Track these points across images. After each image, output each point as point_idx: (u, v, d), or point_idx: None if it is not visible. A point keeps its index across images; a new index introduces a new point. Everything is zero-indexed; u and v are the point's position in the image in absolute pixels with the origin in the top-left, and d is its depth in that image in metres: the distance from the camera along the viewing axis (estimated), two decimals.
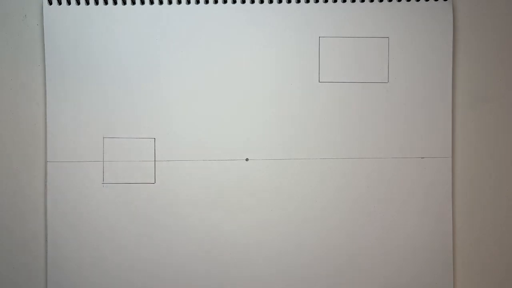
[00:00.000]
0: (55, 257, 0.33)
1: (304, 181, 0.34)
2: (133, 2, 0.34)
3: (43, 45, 0.34)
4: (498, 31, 0.35)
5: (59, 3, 0.33)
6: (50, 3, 0.33)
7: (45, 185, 0.33)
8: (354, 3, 0.34)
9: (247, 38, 0.34)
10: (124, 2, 0.34)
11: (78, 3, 0.33)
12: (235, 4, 0.34)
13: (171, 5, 0.34)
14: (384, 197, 0.35)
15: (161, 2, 0.34)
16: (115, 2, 0.34)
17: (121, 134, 0.34)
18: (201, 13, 0.34)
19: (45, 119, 0.33)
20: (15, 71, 0.34)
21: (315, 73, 0.34)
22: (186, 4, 0.34)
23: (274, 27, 0.34)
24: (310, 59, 0.34)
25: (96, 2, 0.34)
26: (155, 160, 0.34)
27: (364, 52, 0.34)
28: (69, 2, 0.33)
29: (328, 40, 0.34)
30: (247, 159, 0.34)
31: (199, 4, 0.34)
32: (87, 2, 0.33)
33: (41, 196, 0.34)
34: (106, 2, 0.34)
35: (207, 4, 0.34)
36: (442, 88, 0.35)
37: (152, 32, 0.34)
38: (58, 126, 0.33)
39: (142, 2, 0.34)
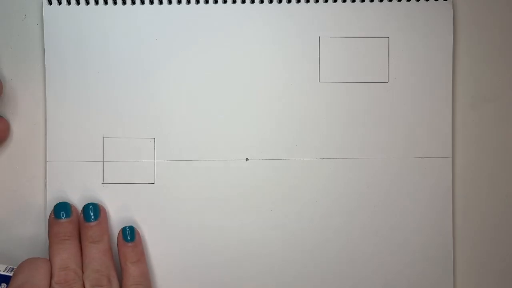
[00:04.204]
0: None
1: (304, 181, 0.34)
2: (133, 2, 0.34)
3: (43, 45, 0.34)
4: (499, 31, 0.35)
5: (59, 3, 0.33)
6: (50, 3, 0.33)
7: (45, 185, 0.33)
8: (354, 3, 0.34)
9: (246, 38, 0.34)
10: (124, 2, 0.34)
11: (78, 3, 0.33)
12: (235, 4, 0.34)
13: (171, 5, 0.34)
14: (384, 197, 0.35)
15: (161, 2, 0.34)
16: (115, 2, 0.34)
17: (121, 134, 0.34)
18: (201, 13, 0.34)
19: (45, 119, 0.33)
20: (15, 71, 0.34)
21: (315, 73, 0.34)
22: (186, 4, 0.34)
23: (274, 27, 0.34)
24: (310, 59, 0.34)
25: (96, 2, 0.34)
26: (155, 160, 0.34)
27: (364, 52, 0.34)
28: (69, 2, 0.33)
29: (328, 40, 0.34)
30: (247, 159, 0.34)
31: (199, 4, 0.34)
32: (87, 2, 0.33)
33: (41, 196, 0.34)
34: (106, 2, 0.34)
35: (207, 4, 0.34)
36: (442, 88, 0.35)
37: (152, 32, 0.34)
38: (58, 126, 0.33)
39: (142, 2, 0.34)
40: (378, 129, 0.35)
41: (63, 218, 0.32)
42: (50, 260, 0.31)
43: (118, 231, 0.33)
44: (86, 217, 0.32)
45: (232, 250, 0.34)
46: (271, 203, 0.34)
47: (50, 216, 0.32)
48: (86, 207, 0.32)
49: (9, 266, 0.31)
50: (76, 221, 0.32)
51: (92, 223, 0.32)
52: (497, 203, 0.35)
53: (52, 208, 0.32)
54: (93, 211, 0.32)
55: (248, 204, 0.34)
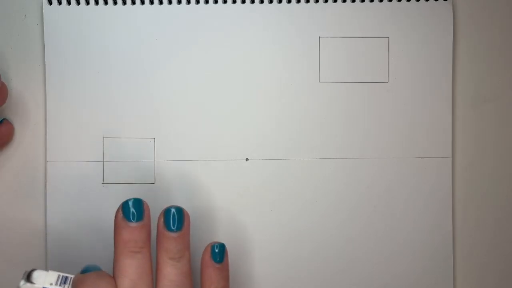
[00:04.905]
0: (55, 257, 0.33)
1: (304, 181, 0.34)
2: (133, 2, 0.34)
3: (43, 45, 0.34)
4: (499, 31, 0.35)
5: (59, 3, 0.33)
6: (50, 3, 0.33)
7: (45, 185, 0.33)
8: (354, 3, 0.34)
9: (247, 38, 0.34)
10: (124, 2, 0.34)
11: (78, 3, 0.33)
12: (235, 4, 0.34)
13: (171, 5, 0.34)
14: (384, 197, 0.35)
15: (161, 2, 0.34)
16: (115, 2, 0.34)
17: (121, 134, 0.34)
18: (201, 13, 0.34)
19: (45, 119, 0.33)
20: (15, 71, 0.34)
21: (315, 73, 0.34)
22: (186, 4, 0.34)
23: (274, 27, 0.34)
24: (310, 59, 0.34)
25: (96, 2, 0.34)
26: (155, 160, 0.34)
27: (364, 52, 0.34)
28: (69, 2, 0.33)
29: (328, 40, 0.34)
30: (247, 159, 0.34)
31: (199, 4, 0.34)
32: (87, 2, 0.33)
33: (41, 196, 0.34)
34: (106, 2, 0.34)
35: (207, 4, 0.34)
36: (442, 88, 0.35)
37: (152, 32, 0.34)
38: (58, 126, 0.33)
39: (142, 2, 0.34)
40: (378, 129, 0.35)
41: (134, 221, 0.25)
42: (115, 277, 0.25)
43: (206, 247, 0.28)
44: (168, 225, 0.26)
45: (232, 250, 0.34)
46: (271, 203, 0.34)
47: (117, 215, 0.26)
48: (167, 212, 0.26)
49: (62, 275, 0.25)
50: (149, 224, 0.26)
51: (175, 234, 0.26)
52: (497, 203, 0.35)
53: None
54: (177, 218, 0.26)
55: (248, 204, 0.34)
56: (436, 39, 0.35)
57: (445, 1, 0.35)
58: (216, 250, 0.27)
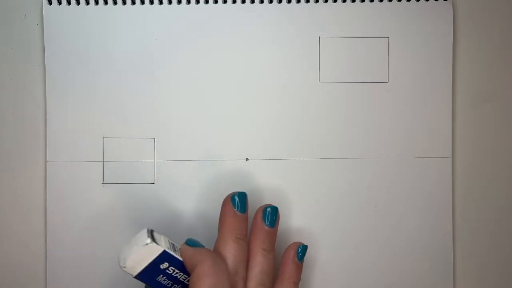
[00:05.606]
0: (55, 257, 0.33)
1: (304, 181, 0.34)
2: (133, 2, 0.34)
3: (43, 45, 0.34)
4: (499, 31, 0.35)
5: (59, 3, 0.33)
6: (50, 3, 0.33)
7: (45, 185, 0.33)
8: (354, 3, 0.34)
9: (247, 39, 0.34)
10: (124, 2, 0.34)
11: (78, 3, 0.33)
12: (235, 4, 0.34)
13: (171, 5, 0.34)
14: (384, 197, 0.35)
15: (161, 2, 0.34)
16: (115, 2, 0.34)
17: (121, 134, 0.34)
18: (201, 13, 0.34)
19: (45, 119, 0.33)
20: (15, 71, 0.34)
21: (315, 73, 0.34)
22: (186, 4, 0.34)
23: (274, 27, 0.34)
24: (310, 59, 0.34)
25: (96, 2, 0.34)
26: (155, 160, 0.34)
27: (364, 52, 0.34)
28: (69, 2, 0.33)
29: (328, 40, 0.34)
30: (247, 159, 0.34)
31: (199, 4, 0.34)
32: (87, 2, 0.33)
33: (41, 196, 0.34)
34: (106, 2, 0.34)
35: (207, 4, 0.34)
36: (442, 88, 0.35)
37: (152, 32, 0.34)
38: (58, 126, 0.33)
39: (142, 2, 0.34)
40: (378, 129, 0.35)
41: (239, 212, 0.29)
42: (220, 255, 0.28)
43: (290, 246, 0.31)
44: (267, 220, 0.29)
45: None
46: (271, 203, 0.34)
47: (226, 204, 0.29)
48: (266, 209, 0.30)
49: (170, 241, 0.27)
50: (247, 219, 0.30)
51: (272, 229, 0.29)
52: (497, 203, 0.35)
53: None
54: (274, 215, 0.30)
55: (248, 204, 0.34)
56: (436, 39, 0.35)
57: (445, 1, 0.35)
58: (301, 251, 0.30)
